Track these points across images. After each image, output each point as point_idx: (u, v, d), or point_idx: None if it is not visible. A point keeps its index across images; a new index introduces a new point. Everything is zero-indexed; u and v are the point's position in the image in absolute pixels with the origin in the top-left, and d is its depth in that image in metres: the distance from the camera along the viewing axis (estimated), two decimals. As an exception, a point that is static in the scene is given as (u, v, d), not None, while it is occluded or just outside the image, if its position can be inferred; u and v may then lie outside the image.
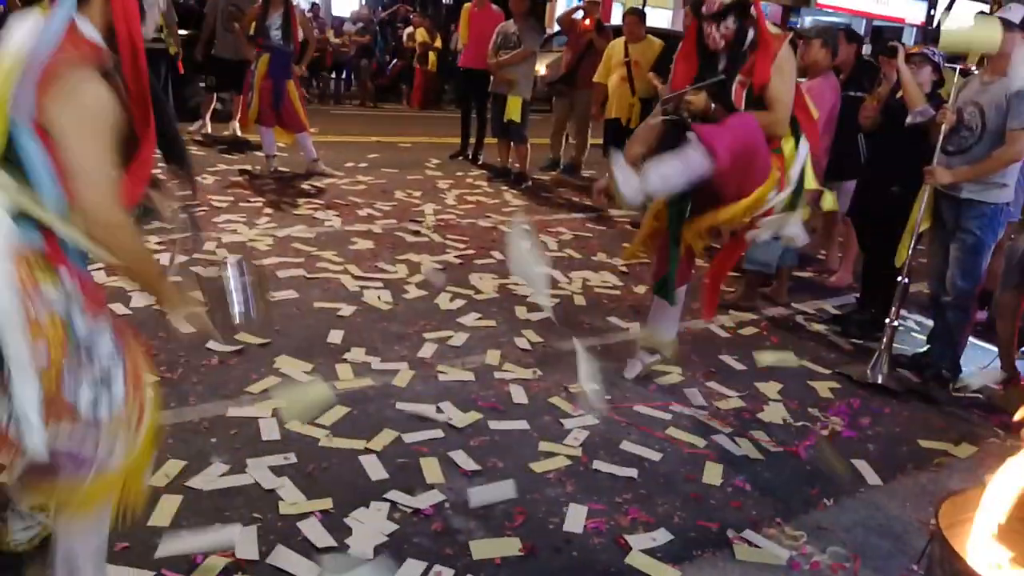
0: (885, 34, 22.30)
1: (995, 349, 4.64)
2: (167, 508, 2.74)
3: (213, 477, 2.97)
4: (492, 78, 8.54)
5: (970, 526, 2.03)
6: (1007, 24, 4.07)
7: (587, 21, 8.91)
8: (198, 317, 2.10)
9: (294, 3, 7.82)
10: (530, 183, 8.57)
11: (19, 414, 1.75)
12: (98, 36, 1.83)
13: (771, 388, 4.22)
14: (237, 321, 2.23)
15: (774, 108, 3.56)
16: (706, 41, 3.59)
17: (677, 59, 3.84)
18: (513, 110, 8.37)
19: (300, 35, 7.71)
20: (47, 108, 1.71)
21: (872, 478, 3.47)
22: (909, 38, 25.21)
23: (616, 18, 14.08)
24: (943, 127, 4.30)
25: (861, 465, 3.56)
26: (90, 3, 1.82)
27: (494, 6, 9.03)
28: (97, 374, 1.86)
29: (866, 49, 9.39)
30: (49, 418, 1.79)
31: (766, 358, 4.56)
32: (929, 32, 24.38)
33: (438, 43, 14.81)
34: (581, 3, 9.30)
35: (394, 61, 15.73)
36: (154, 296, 2.06)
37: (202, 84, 9.82)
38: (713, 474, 3.35)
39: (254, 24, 7.68)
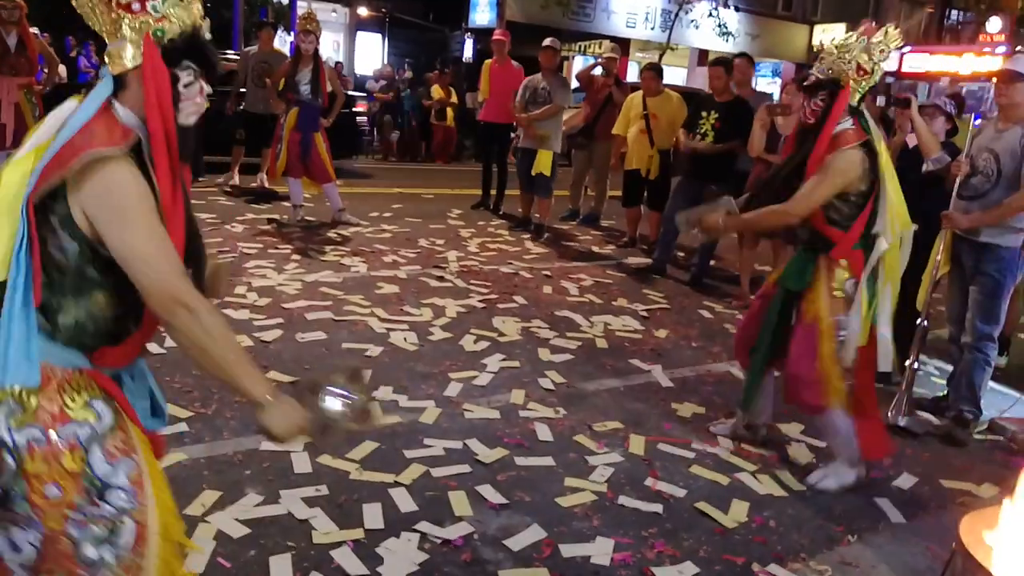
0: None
1: (1015, 394, 4.67)
2: (203, 535, 2.82)
3: (248, 507, 3.04)
4: (521, 133, 8.68)
5: (992, 540, 2.05)
6: (1017, 75, 4.20)
7: (605, 75, 9.12)
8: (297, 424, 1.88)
9: (323, 59, 8.04)
10: (549, 235, 8.69)
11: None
12: (136, 120, 1.72)
13: (793, 428, 4.25)
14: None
15: (793, 201, 3.47)
16: (801, 115, 3.49)
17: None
18: (544, 164, 8.46)
19: (328, 88, 7.92)
20: (81, 202, 1.63)
21: (895, 516, 3.49)
22: (924, 95, 25.42)
23: (631, 76, 14.40)
24: (959, 176, 4.41)
25: (884, 504, 3.58)
26: (127, 90, 1.72)
27: (514, 62, 9.25)
28: (102, 529, 1.71)
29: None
30: (47, 560, 1.68)
31: None
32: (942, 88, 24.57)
33: (454, 99, 15.13)
34: (599, 60, 9.53)
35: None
36: (242, 395, 1.79)
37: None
38: (738, 510, 3.38)
39: (284, 79, 7.92)
